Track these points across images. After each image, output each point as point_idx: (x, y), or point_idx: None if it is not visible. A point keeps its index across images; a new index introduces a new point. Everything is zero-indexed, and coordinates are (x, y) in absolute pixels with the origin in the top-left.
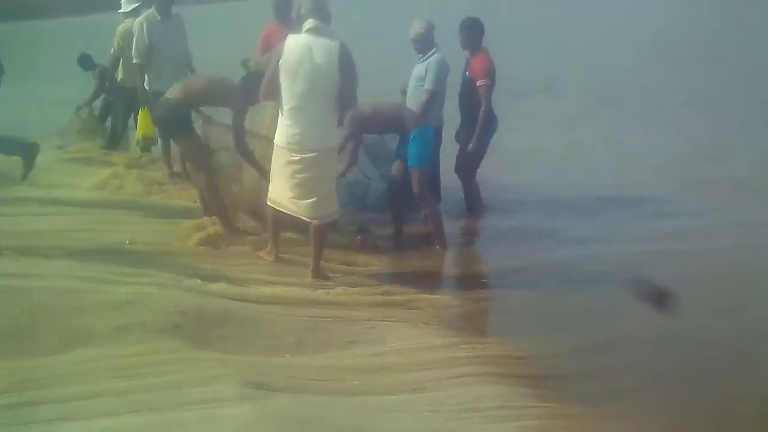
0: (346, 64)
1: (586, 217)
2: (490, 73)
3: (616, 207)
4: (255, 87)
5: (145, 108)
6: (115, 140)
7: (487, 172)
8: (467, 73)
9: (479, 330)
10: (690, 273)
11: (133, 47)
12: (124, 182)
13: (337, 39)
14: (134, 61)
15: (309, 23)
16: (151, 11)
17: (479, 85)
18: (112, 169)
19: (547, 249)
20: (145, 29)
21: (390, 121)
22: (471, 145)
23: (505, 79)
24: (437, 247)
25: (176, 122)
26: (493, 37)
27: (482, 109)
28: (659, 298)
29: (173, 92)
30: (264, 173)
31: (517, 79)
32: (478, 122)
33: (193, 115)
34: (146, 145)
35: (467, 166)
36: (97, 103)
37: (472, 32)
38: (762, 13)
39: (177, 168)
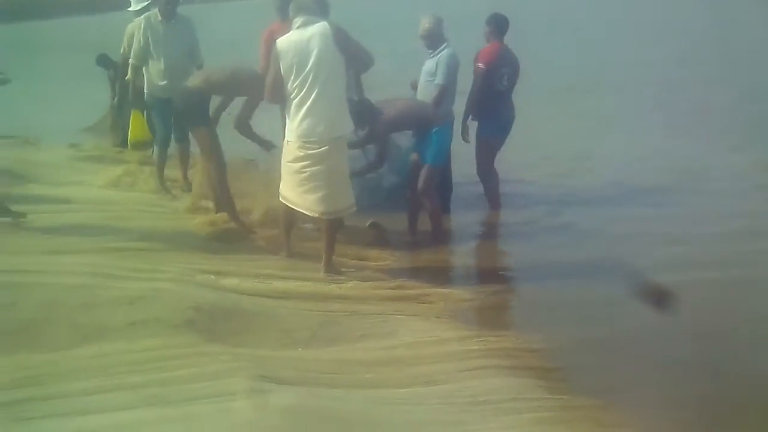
0: (341, 38)
1: (598, 212)
2: (490, 59)
3: (631, 203)
4: None
5: (138, 111)
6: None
7: (505, 167)
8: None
9: (492, 323)
10: (701, 270)
11: (131, 48)
12: (136, 179)
13: (323, 21)
14: (130, 61)
15: (297, 21)
16: (154, 12)
17: (474, 69)
18: (125, 167)
19: (559, 244)
20: (142, 30)
21: (413, 119)
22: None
23: (531, 76)
24: (436, 243)
25: (196, 110)
26: (522, 33)
27: (470, 90)
28: (659, 298)
29: (195, 81)
30: (266, 144)
31: (543, 77)
32: (465, 106)
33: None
34: (137, 148)
35: (477, 158)
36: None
37: (496, 27)
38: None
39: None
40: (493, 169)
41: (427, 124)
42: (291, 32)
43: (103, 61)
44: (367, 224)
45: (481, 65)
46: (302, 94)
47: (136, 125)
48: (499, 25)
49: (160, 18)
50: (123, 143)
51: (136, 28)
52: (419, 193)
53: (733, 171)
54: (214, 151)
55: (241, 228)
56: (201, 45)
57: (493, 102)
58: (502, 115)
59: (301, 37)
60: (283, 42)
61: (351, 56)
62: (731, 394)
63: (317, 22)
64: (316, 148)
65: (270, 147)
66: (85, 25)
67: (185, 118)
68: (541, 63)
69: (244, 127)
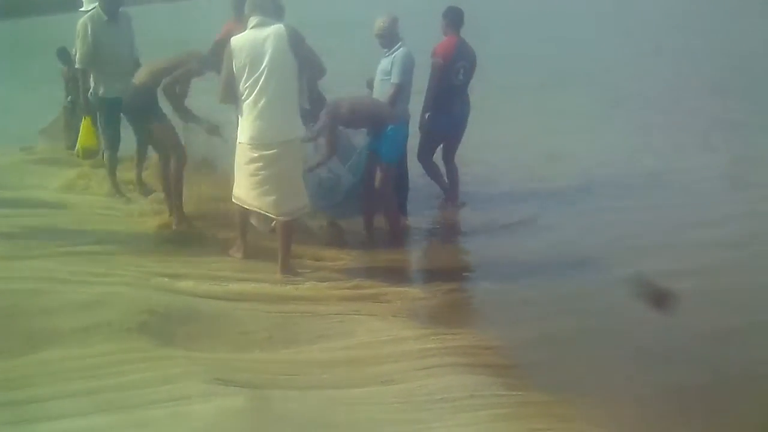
0: (296, 42)
1: (559, 208)
2: (447, 52)
3: (591, 198)
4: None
5: (88, 118)
6: None
7: (467, 163)
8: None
9: (448, 321)
10: (662, 262)
11: (77, 51)
12: (90, 182)
13: (279, 23)
14: (77, 66)
15: (253, 20)
16: (96, 11)
17: (432, 62)
18: (79, 170)
19: (517, 240)
20: (89, 31)
21: (367, 115)
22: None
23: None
24: (393, 242)
25: (147, 107)
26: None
27: (428, 84)
28: (659, 298)
29: (139, 77)
30: (212, 129)
31: (513, 72)
32: (424, 100)
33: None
34: (87, 156)
35: (419, 147)
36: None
37: (452, 21)
38: None
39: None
40: (453, 164)
41: (381, 121)
42: (246, 31)
43: (63, 55)
44: (326, 224)
45: (438, 58)
46: (254, 95)
47: (85, 133)
48: (454, 18)
49: (105, 17)
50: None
51: (80, 28)
52: (376, 191)
53: (703, 168)
54: (170, 144)
55: (187, 228)
56: (153, 45)
57: (447, 96)
58: (456, 109)
59: (256, 37)
60: (237, 40)
61: (304, 61)
62: (690, 386)
63: (273, 23)
64: (269, 150)
65: (214, 131)
66: (43, 25)
67: (138, 116)
68: (512, 58)
69: (172, 95)
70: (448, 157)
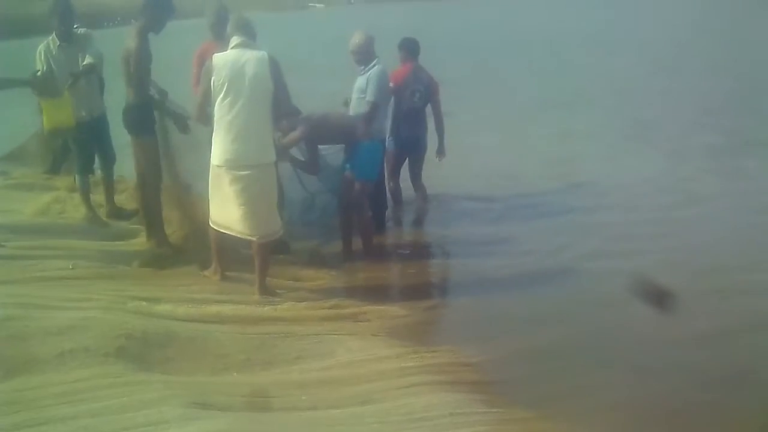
0: (277, 73)
1: (534, 226)
2: (398, 79)
3: (567, 216)
4: None
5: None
6: (57, 165)
7: (439, 179)
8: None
9: (427, 339)
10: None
11: (40, 78)
12: (66, 207)
13: (264, 51)
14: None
15: (235, 39)
16: (52, 37)
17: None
18: (54, 194)
19: (494, 256)
20: (43, 57)
21: (340, 130)
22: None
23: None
24: (367, 260)
25: (142, 121)
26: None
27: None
28: (659, 298)
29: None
30: (182, 125)
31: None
32: None
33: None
34: (56, 136)
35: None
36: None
37: (407, 51)
38: None
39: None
40: (420, 183)
41: (354, 137)
42: (228, 51)
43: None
44: (308, 252)
45: (391, 84)
46: (231, 117)
47: (52, 111)
48: (409, 47)
49: (58, 42)
50: (52, 169)
51: (37, 55)
52: (351, 209)
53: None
54: (150, 166)
55: (155, 246)
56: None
57: (404, 118)
58: (411, 130)
59: (238, 58)
60: (219, 57)
61: (278, 91)
62: (670, 397)
63: (255, 46)
64: (243, 172)
65: (184, 128)
66: (20, 48)
67: (130, 128)
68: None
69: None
70: (415, 177)
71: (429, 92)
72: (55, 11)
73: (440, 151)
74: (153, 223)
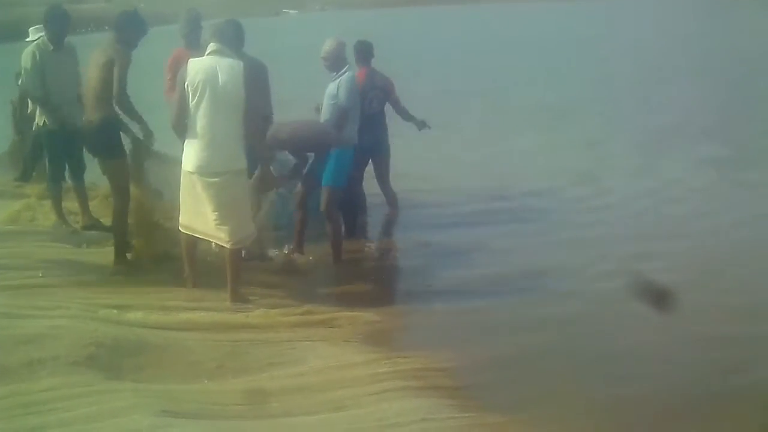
0: (255, 79)
1: (508, 231)
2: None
3: (541, 222)
4: None
5: None
6: (27, 173)
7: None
8: None
9: (400, 345)
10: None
11: (23, 81)
12: (36, 214)
13: (240, 60)
14: (21, 96)
15: (212, 46)
16: (42, 40)
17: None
18: (25, 202)
19: (467, 262)
20: (37, 60)
21: (309, 140)
22: None
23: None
24: (333, 262)
25: (110, 142)
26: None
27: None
28: (659, 298)
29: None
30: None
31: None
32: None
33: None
34: None
35: None
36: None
37: (360, 54)
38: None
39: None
40: (389, 188)
41: (324, 145)
42: (204, 57)
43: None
44: (280, 258)
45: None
46: (203, 123)
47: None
48: (362, 51)
49: (51, 47)
50: (23, 177)
51: (28, 58)
52: (324, 215)
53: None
54: (118, 186)
55: (117, 261)
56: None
57: (363, 122)
58: (371, 134)
59: (213, 65)
60: (194, 63)
61: (254, 97)
62: (645, 400)
63: (230, 53)
64: (215, 178)
65: (149, 134)
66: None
67: (98, 150)
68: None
69: (125, 102)
70: (383, 182)
71: (385, 93)
72: (52, 17)
73: (420, 125)
74: (118, 233)
